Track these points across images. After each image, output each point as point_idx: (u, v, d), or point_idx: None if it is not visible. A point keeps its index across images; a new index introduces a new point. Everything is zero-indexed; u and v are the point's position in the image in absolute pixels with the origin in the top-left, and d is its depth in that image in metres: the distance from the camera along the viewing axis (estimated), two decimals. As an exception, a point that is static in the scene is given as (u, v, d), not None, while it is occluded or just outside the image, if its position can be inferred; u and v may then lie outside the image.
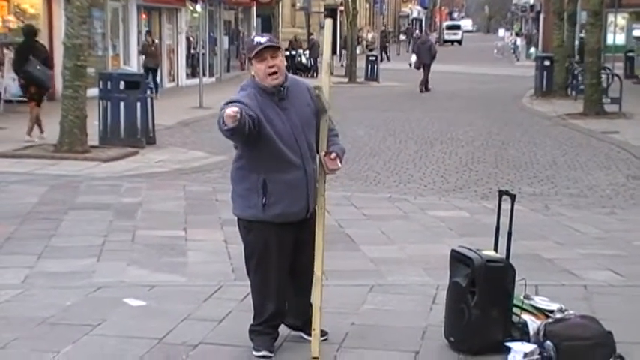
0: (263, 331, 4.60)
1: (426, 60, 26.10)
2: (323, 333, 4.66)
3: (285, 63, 4.66)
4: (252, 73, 4.45)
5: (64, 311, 5.29)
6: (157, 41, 23.44)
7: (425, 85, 25.99)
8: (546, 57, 25.84)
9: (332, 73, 30.51)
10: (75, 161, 11.41)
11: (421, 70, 26.41)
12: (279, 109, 4.40)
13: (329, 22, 4.71)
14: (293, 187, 4.40)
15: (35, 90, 12.71)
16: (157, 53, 22.39)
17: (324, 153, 4.46)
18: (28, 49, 12.94)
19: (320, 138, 4.49)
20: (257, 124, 4.26)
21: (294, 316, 4.75)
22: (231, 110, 4.08)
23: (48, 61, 13.20)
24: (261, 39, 4.43)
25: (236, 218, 4.61)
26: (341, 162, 4.52)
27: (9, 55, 17.40)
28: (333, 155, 4.46)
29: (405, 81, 30.74)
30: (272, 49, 4.38)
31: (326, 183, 4.58)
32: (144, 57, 22.16)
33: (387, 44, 49.13)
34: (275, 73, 4.36)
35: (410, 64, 29.20)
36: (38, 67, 12.67)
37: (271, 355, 4.56)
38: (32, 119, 12.98)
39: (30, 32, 13.53)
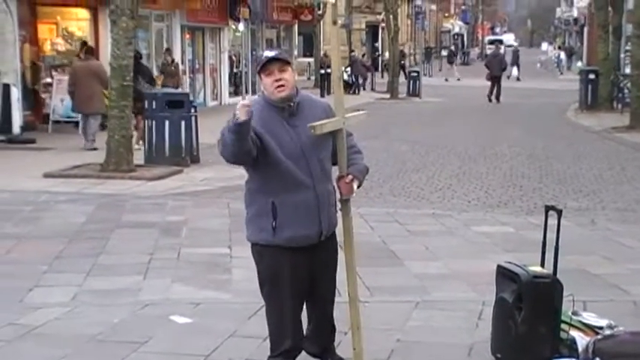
0: None
1: (496, 72, 27.68)
2: None
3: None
4: (262, 88, 4.23)
5: (111, 329, 5.36)
6: (176, 60, 21.61)
7: (497, 97, 27.59)
8: (591, 70, 25.58)
9: (373, 89, 30.45)
10: (121, 180, 11.55)
11: (489, 82, 28.06)
12: (288, 126, 4.14)
13: (335, 30, 4.46)
14: (303, 208, 4.13)
15: (141, 105, 13.69)
16: (176, 73, 20.49)
17: (337, 177, 4.23)
18: (136, 70, 14.44)
19: (338, 158, 4.23)
20: (256, 143, 4.05)
21: (312, 343, 4.51)
22: (243, 103, 3.93)
23: (152, 80, 15.87)
24: (270, 53, 4.23)
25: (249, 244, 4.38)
26: (360, 184, 4.26)
27: (57, 77, 17.76)
28: (349, 178, 4.20)
29: (447, 96, 30.65)
30: (280, 62, 4.14)
31: (350, 202, 4.32)
32: (162, 77, 20.01)
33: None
34: (282, 86, 4.11)
35: (458, 79, 29.65)
36: (146, 86, 14.82)
37: None
38: (139, 129, 14.29)
39: (137, 56, 15.10)
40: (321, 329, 4.50)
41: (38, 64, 18.27)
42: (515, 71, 41.93)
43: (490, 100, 27.73)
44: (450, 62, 46.23)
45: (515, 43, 76.13)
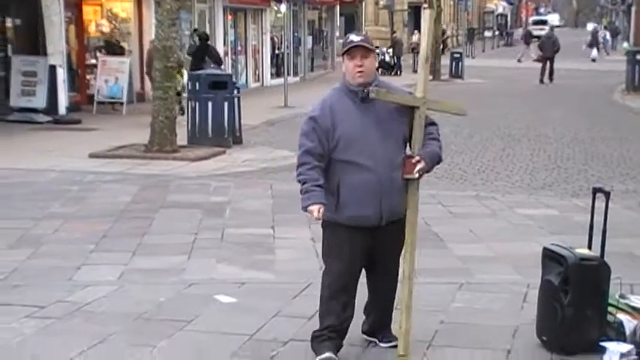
0: (323, 338, 4.48)
1: (548, 53, 27.84)
2: (392, 339, 4.63)
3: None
4: (344, 69, 4.42)
5: (157, 307, 5.43)
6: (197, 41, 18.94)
7: (550, 77, 27.76)
8: (638, 51, 25.11)
9: (414, 71, 30.19)
10: (165, 161, 11.66)
11: (539, 64, 28.33)
12: (359, 111, 4.33)
13: (428, 13, 4.49)
14: (363, 191, 4.29)
15: None
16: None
17: (406, 156, 4.35)
18: (204, 52, 16.29)
19: (412, 139, 4.37)
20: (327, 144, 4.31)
21: (367, 321, 4.75)
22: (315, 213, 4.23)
23: (219, 61, 16.93)
24: (356, 37, 4.40)
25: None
26: (428, 167, 4.37)
27: (101, 58, 17.95)
28: (415, 159, 4.31)
29: (490, 78, 30.33)
30: (364, 49, 4.33)
31: (418, 183, 4.43)
32: (191, 59, 17.88)
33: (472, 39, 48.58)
34: (361, 72, 4.31)
35: (519, 60, 29.80)
36: (212, 66, 15.88)
37: (334, 357, 4.42)
38: None
39: (204, 38, 17.34)
40: (377, 308, 4.66)
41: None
42: (595, 52, 41.76)
43: (542, 82, 27.50)
44: (527, 42, 45.38)
45: (561, 24, 75.00)
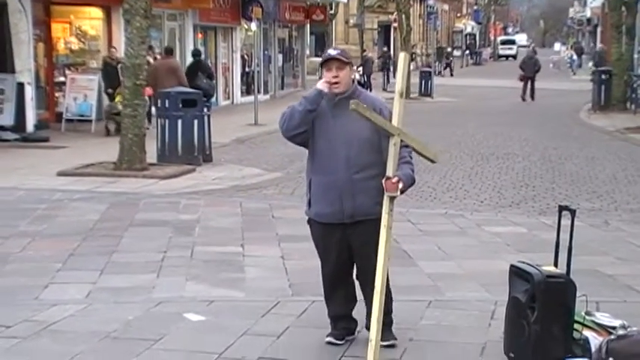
0: (333, 332, 5.02)
1: (530, 73, 28.88)
2: (389, 338, 4.90)
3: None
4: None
5: (126, 326, 5.40)
6: (159, 58, 17.94)
7: (531, 95, 28.65)
8: (604, 71, 25.50)
9: (384, 89, 30.32)
10: (134, 178, 11.60)
11: (521, 83, 29.25)
12: (331, 116, 4.75)
13: (403, 55, 4.85)
14: (326, 189, 4.76)
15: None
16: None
17: (385, 177, 4.58)
18: (197, 67, 17.25)
19: (387, 162, 4.61)
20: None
21: (368, 318, 4.90)
22: (325, 80, 4.70)
23: (211, 76, 17.89)
24: (333, 51, 4.85)
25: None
26: (404, 188, 4.62)
27: (70, 76, 17.84)
28: (395, 179, 4.56)
29: (459, 97, 30.60)
30: (339, 61, 4.73)
31: (393, 203, 4.58)
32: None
33: (451, 59, 49.14)
34: (336, 83, 4.71)
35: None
36: (205, 81, 16.78)
37: (338, 342, 4.97)
38: None
39: (197, 54, 18.54)
40: (369, 301, 4.82)
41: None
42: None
43: (524, 100, 28.47)
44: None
45: (528, 43, 75.90)
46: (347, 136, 4.69)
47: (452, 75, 46.05)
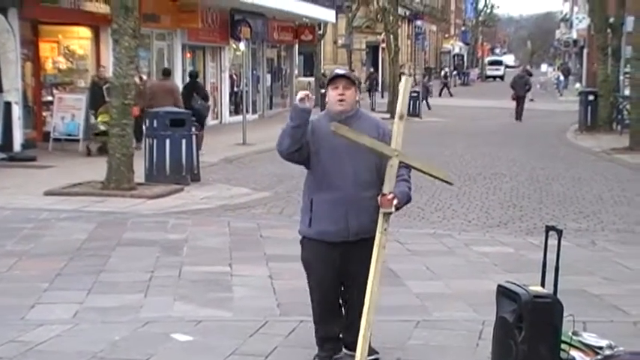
0: (320, 353, 4.98)
1: (520, 93, 29.41)
2: (372, 352, 4.84)
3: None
4: (327, 99, 4.89)
5: (113, 346, 5.37)
6: (145, 78, 18.47)
7: (519, 115, 28.96)
8: (591, 92, 25.71)
9: (373, 109, 30.45)
10: (122, 198, 11.57)
11: (514, 102, 29.48)
12: (333, 135, 4.65)
13: (405, 79, 4.85)
14: (332, 206, 4.72)
15: (196, 119, 15.35)
16: (145, 93, 16.48)
17: (381, 194, 4.62)
18: (193, 88, 17.54)
19: (384, 180, 4.65)
20: (308, 146, 4.72)
21: (348, 333, 4.97)
22: (303, 92, 4.69)
23: (206, 97, 18.09)
24: (341, 70, 4.93)
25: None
26: (399, 205, 4.66)
27: (58, 95, 17.83)
28: (390, 196, 4.60)
29: (447, 117, 30.73)
30: (346, 80, 4.79)
31: (387, 221, 4.62)
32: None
33: (448, 80, 49.56)
34: (342, 100, 4.76)
35: (531, 99, 31.64)
36: (199, 102, 17.07)
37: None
38: (200, 139, 15.80)
39: (193, 75, 18.78)
40: (351, 319, 4.86)
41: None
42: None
43: (517, 119, 28.83)
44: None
45: (515, 64, 76.33)
46: (353, 154, 4.70)
47: (451, 95, 46.34)
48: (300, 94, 4.70)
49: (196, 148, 13.42)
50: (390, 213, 4.62)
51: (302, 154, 4.74)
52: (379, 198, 4.62)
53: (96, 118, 16.38)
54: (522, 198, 12.32)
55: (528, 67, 39.29)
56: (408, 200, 4.79)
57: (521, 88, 29.37)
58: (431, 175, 4.90)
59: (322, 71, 35.97)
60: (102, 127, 15.71)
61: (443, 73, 51.79)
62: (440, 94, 45.93)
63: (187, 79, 23.44)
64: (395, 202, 4.61)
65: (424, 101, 35.05)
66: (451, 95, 46.53)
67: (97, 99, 16.60)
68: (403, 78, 4.92)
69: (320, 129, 4.75)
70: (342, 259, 4.80)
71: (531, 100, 40.51)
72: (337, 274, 4.85)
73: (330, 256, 4.79)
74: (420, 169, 4.79)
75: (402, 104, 4.76)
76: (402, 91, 4.79)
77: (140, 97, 15.70)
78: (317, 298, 4.93)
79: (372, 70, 38.19)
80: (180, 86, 18.56)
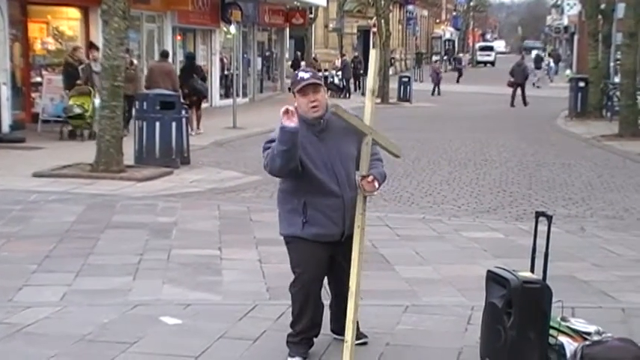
0: (298, 342, 4.86)
1: (519, 80, 29.80)
2: (361, 336, 4.92)
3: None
4: (296, 104, 4.62)
5: (101, 329, 5.35)
6: (136, 62, 18.35)
7: (523, 101, 29.41)
8: (581, 78, 25.75)
9: (363, 94, 30.49)
10: (111, 180, 11.53)
11: (510, 89, 29.95)
12: (318, 140, 4.64)
13: (374, 52, 4.80)
14: (330, 211, 4.67)
15: (196, 99, 17.43)
16: (134, 76, 16.69)
17: (360, 177, 4.62)
18: (191, 69, 18.03)
19: (360, 160, 4.66)
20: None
21: (336, 321, 5.03)
22: (288, 109, 4.38)
23: (204, 78, 18.84)
24: (305, 74, 4.65)
25: (281, 237, 4.89)
26: (379, 185, 4.69)
27: (47, 76, 17.71)
28: (370, 178, 4.61)
29: (438, 102, 30.73)
30: (314, 85, 4.62)
31: (364, 203, 4.68)
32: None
33: (463, 65, 49.84)
34: (316, 107, 4.61)
35: (538, 86, 31.76)
36: (199, 82, 17.78)
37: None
38: (198, 118, 17.73)
39: (191, 57, 19.37)
40: (340, 309, 4.83)
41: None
42: (537, 76, 43.02)
43: (512, 105, 28.99)
44: (538, 67, 46.29)
45: (506, 50, 76.24)
46: (341, 156, 4.67)
47: (458, 81, 46.50)
48: (284, 109, 4.40)
49: (190, 128, 13.39)
50: (372, 195, 4.65)
51: (297, 168, 4.55)
52: (359, 180, 4.62)
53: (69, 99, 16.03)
54: (512, 184, 12.34)
55: (524, 53, 39.70)
56: (384, 179, 4.80)
57: (520, 76, 29.85)
58: (386, 150, 4.81)
59: (313, 55, 35.87)
60: (77, 110, 15.57)
61: (455, 58, 51.82)
62: (457, 81, 46.07)
63: (179, 62, 23.58)
64: (376, 183, 4.63)
65: (435, 87, 35.14)
66: (458, 81, 46.58)
67: (71, 80, 16.07)
68: (372, 52, 4.83)
69: (303, 137, 4.54)
70: (333, 254, 4.80)
71: (538, 87, 40.74)
72: (326, 271, 4.85)
73: (324, 256, 4.77)
74: (380, 143, 4.72)
75: (372, 79, 4.68)
76: (372, 65, 4.70)
77: (130, 82, 15.47)
78: (301, 291, 4.77)
79: (356, 54, 38.03)
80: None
